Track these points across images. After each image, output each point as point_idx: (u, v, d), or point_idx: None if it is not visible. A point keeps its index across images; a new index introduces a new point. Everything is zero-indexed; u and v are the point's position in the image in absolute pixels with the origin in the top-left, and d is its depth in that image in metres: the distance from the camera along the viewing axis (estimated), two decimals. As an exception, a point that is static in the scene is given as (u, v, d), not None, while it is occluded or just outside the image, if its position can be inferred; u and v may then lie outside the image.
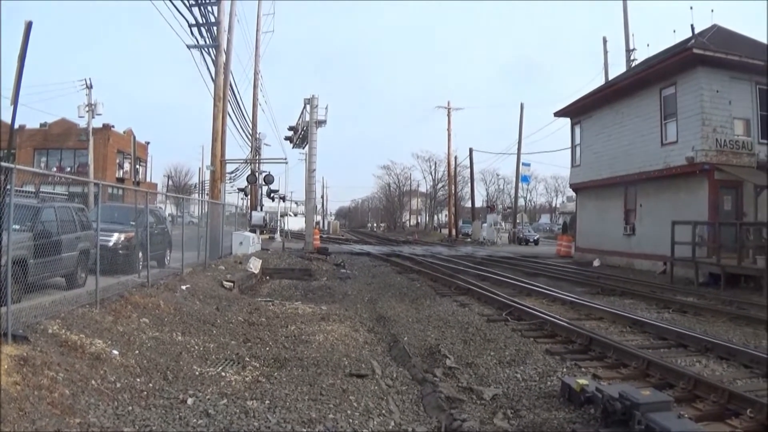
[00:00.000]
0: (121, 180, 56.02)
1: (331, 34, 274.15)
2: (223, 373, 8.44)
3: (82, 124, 49.15)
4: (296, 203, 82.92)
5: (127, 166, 61.73)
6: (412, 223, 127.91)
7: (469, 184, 77.80)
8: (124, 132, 61.24)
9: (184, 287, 14.97)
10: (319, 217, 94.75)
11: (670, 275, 23.00)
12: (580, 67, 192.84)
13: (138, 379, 7.58)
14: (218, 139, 27.02)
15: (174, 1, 24.72)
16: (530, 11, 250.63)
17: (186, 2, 24.46)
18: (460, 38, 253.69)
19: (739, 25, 49.91)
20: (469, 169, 72.60)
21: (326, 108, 34.80)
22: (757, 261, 19.78)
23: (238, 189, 45.42)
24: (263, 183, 40.59)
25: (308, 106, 34.42)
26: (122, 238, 16.28)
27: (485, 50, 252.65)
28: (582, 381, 7.62)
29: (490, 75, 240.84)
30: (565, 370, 9.25)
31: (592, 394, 7.19)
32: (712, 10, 29.51)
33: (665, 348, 11.04)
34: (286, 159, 39.79)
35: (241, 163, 41.59)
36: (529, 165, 64.59)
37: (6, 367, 6.42)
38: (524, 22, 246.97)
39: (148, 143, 68.92)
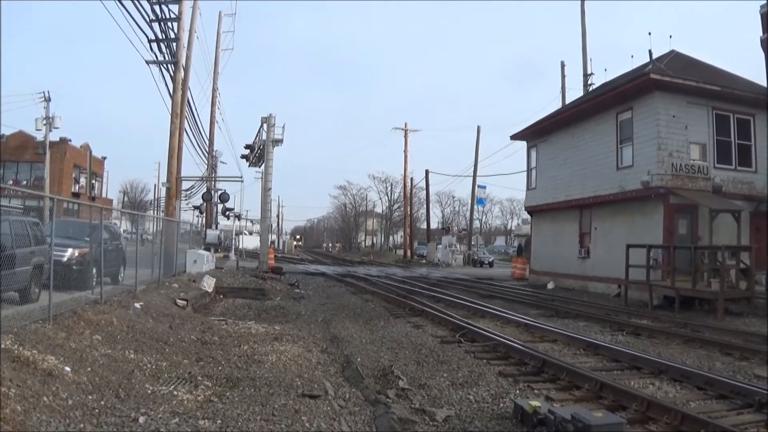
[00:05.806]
0: (76, 195, 55.21)
1: (287, 55, 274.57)
2: (175, 392, 8.32)
3: (40, 137, 48.64)
4: (251, 222, 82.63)
5: (83, 180, 60.91)
6: (367, 244, 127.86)
7: (425, 206, 78.20)
8: (81, 146, 60.49)
9: (137, 305, 14.75)
10: (274, 237, 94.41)
11: (625, 298, 23.30)
12: (538, 92, 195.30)
13: (90, 397, 7.45)
14: (174, 156, 26.79)
15: (134, 16, 24.65)
16: (494, 34, 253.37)
17: (146, 17, 24.32)
18: (420, 61, 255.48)
19: (697, 52, 51.11)
20: (425, 191, 73.09)
21: (283, 127, 34.73)
22: (711, 284, 20.12)
23: (194, 207, 45.05)
24: (218, 201, 40.28)
25: (265, 125, 34.28)
26: (76, 254, 16.08)
27: (445, 73, 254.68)
28: (535, 403, 7.67)
29: (449, 97, 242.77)
30: (518, 392, 9.31)
31: (545, 416, 7.24)
32: (671, 36, 30.19)
33: (619, 370, 11.14)
34: (241, 177, 39.80)
35: (197, 180, 41.21)
36: (485, 187, 65.29)
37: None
38: (488, 43, 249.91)
39: (104, 158, 68.21)
